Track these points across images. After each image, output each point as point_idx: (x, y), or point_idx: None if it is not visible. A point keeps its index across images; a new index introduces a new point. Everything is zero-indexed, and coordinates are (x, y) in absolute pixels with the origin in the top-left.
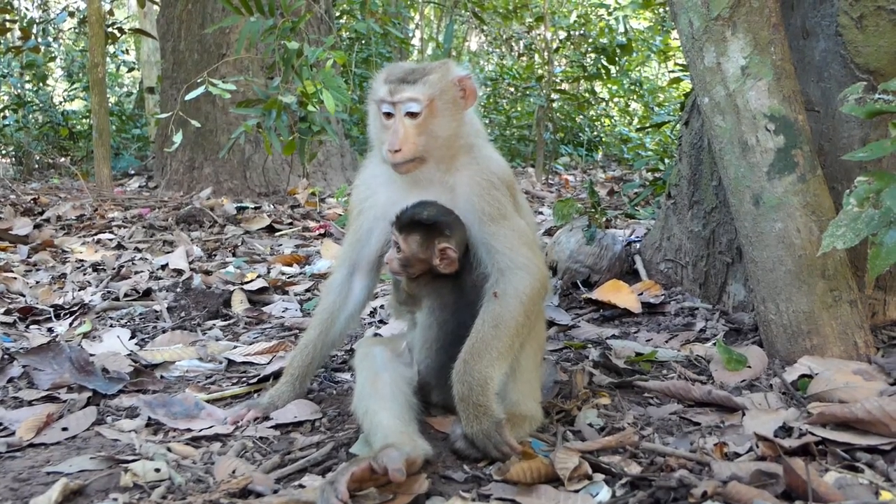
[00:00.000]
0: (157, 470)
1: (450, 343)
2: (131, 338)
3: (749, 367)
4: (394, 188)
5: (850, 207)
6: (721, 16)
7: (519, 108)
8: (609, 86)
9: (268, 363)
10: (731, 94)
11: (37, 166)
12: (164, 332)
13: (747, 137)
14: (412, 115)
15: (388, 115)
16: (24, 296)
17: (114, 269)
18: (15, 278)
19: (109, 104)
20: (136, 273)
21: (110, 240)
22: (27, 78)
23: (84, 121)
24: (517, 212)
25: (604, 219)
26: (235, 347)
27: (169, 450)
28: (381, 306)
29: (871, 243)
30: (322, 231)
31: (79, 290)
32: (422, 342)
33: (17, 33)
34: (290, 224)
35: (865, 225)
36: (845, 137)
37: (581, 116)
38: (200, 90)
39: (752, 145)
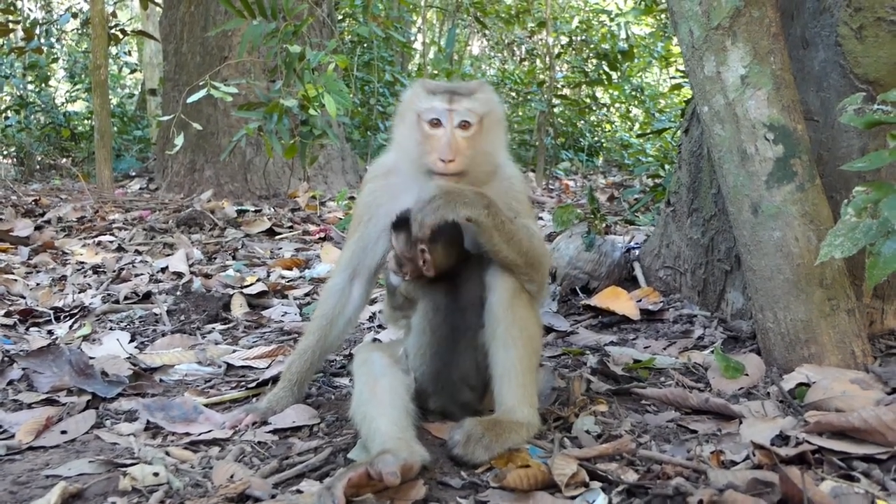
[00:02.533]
0: (156, 474)
1: (444, 349)
2: (131, 341)
3: (746, 375)
4: (412, 198)
5: (849, 217)
6: (721, 25)
7: (520, 113)
8: (610, 91)
9: (267, 367)
10: (730, 103)
11: (38, 167)
12: (163, 335)
13: (746, 146)
14: (465, 126)
15: (436, 124)
16: (24, 298)
17: (114, 271)
18: (15, 280)
19: (111, 106)
20: (136, 276)
21: (111, 242)
22: (30, 79)
23: (86, 122)
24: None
25: (603, 225)
26: (235, 351)
27: (167, 454)
28: (380, 311)
29: (869, 253)
30: (322, 235)
31: (79, 293)
32: (416, 348)
33: (20, 34)
34: (291, 227)
35: (863, 234)
36: (844, 147)
37: (582, 122)
38: (202, 93)
39: (751, 154)
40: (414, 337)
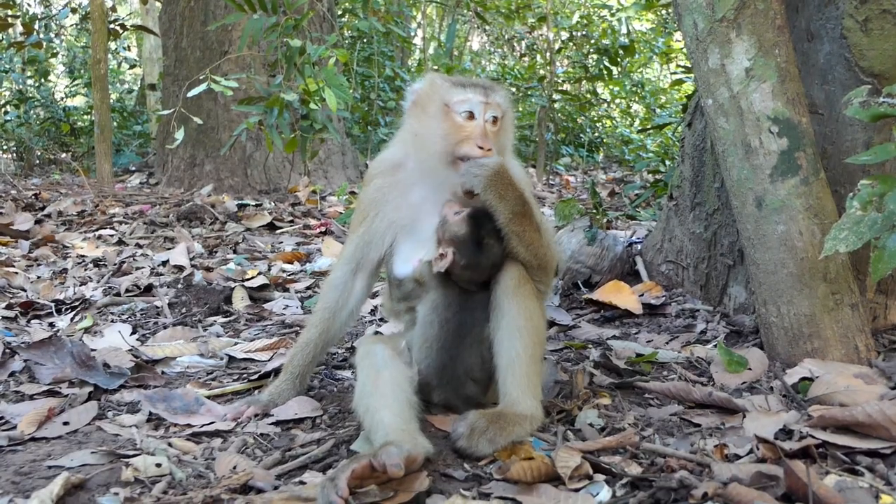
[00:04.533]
0: (158, 465)
1: (450, 343)
2: (132, 333)
3: (749, 369)
4: (423, 192)
5: (853, 210)
6: (726, 17)
7: (520, 109)
8: (611, 87)
9: (268, 360)
10: (734, 95)
11: (38, 162)
12: (165, 327)
13: (751, 139)
14: (494, 122)
15: (470, 116)
16: (25, 290)
17: (115, 264)
18: (16, 273)
19: (111, 101)
20: (137, 269)
21: (111, 236)
22: (29, 74)
23: (85, 117)
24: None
25: (605, 220)
26: (236, 344)
27: (170, 445)
28: (381, 305)
29: (874, 247)
30: (323, 229)
31: (80, 286)
32: (422, 340)
33: (20, 29)
34: (291, 222)
35: (868, 228)
36: (849, 141)
37: (582, 117)
38: (202, 87)
39: (756, 147)
40: (420, 329)
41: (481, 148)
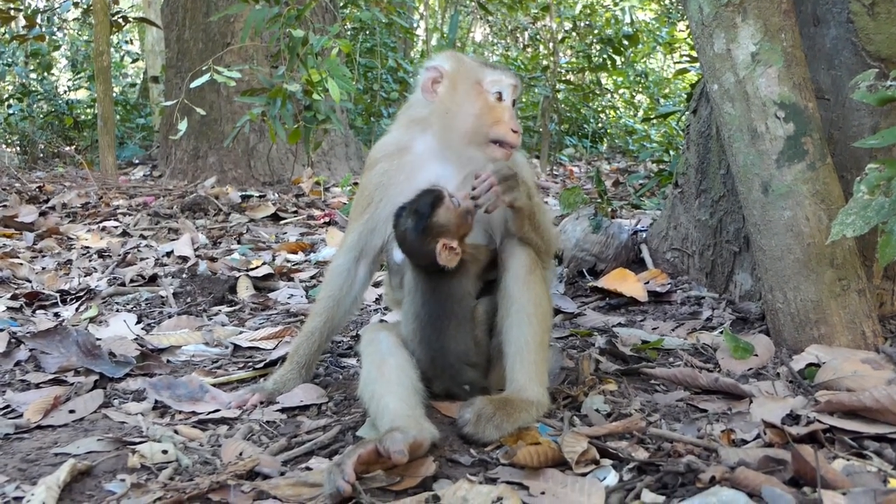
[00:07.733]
0: (165, 452)
1: (430, 335)
2: (137, 322)
3: (756, 355)
4: (431, 176)
5: (861, 195)
6: (731, 2)
7: (524, 99)
8: (614, 77)
9: (274, 348)
10: (740, 80)
11: (42, 155)
12: (170, 317)
13: (756, 125)
14: (513, 104)
15: (499, 97)
16: (30, 281)
17: (119, 255)
18: (21, 264)
19: (114, 93)
20: (142, 259)
21: (115, 227)
22: (32, 67)
23: (89, 110)
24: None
25: (610, 208)
26: (241, 333)
27: (176, 432)
28: (385, 293)
29: (881, 231)
30: (327, 219)
31: (84, 276)
32: (410, 333)
33: (22, 22)
34: (295, 212)
35: (875, 213)
36: (855, 125)
37: (586, 107)
38: (205, 78)
39: (762, 133)
40: (406, 323)
41: (515, 132)
